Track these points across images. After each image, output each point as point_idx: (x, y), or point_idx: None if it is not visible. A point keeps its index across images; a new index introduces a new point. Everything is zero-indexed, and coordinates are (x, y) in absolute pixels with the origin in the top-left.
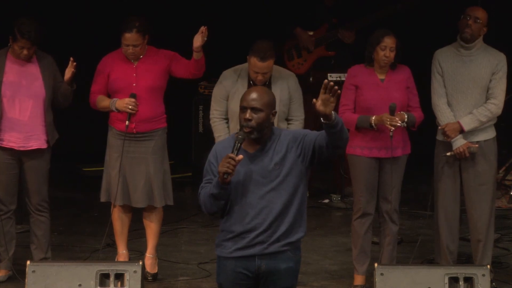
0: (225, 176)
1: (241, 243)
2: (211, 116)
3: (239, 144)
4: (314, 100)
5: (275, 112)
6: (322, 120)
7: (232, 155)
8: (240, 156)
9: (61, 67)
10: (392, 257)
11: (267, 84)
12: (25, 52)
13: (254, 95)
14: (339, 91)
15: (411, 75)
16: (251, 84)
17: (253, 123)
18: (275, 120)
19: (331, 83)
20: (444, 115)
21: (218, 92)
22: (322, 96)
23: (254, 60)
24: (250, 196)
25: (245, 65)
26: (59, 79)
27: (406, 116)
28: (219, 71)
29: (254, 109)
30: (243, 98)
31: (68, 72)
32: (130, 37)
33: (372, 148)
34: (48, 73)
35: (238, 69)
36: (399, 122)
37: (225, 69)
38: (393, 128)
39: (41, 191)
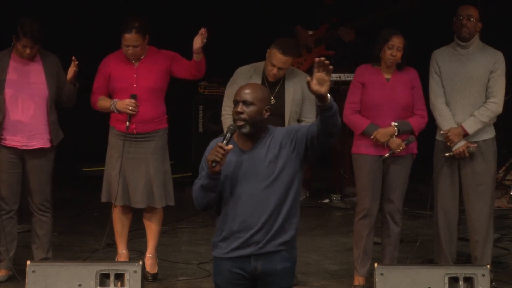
0: (213, 165)
1: (236, 243)
2: (222, 112)
3: (229, 135)
4: (308, 78)
5: (269, 108)
6: (317, 102)
7: (221, 144)
8: (230, 146)
9: (62, 67)
10: (393, 258)
11: (281, 83)
12: (27, 51)
13: (247, 89)
14: (331, 66)
15: (417, 76)
16: (265, 82)
17: (244, 116)
18: (287, 121)
19: (322, 58)
20: (443, 116)
21: (230, 88)
22: (316, 74)
23: (275, 52)
24: (245, 194)
25: (261, 63)
26: (63, 79)
27: (403, 145)
28: (219, 71)
29: (245, 103)
30: (236, 93)
31: (71, 71)
32: (130, 37)
33: (377, 145)
34: (51, 72)
35: (253, 66)
36: (398, 149)
37: (225, 69)
38: (387, 155)
39: (44, 191)
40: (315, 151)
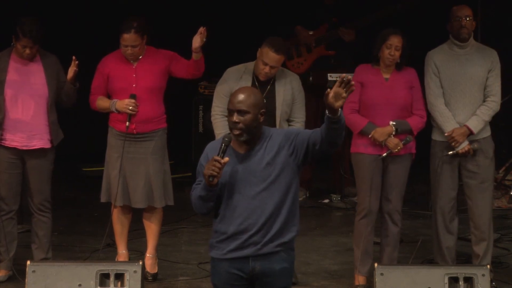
0: (210, 179)
1: (234, 244)
2: (212, 112)
3: (225, 147)
4: (328, 90)
5: (264, 112)
6: (327, 113)
7: (217, 157)
8: (226, 159)
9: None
10: (392, 258)
11: (271, 83)
12: (27, 51)
13: (240, 97)
14: (353, 87)
15: (416, 76)
16: (255, 81)
17: (240, 125)
18: (277, 121)
19: (349, 76)
20: (444, 117)
21: (221, 88)
22: (336, 89)
23: (267, 50)
24: (242, 197)
25: (251, 63)
26: (63, 79)
27: (401, 145)
28: (219, 71)
29: (240, 112)
30: (230, 101)
31: (71, 71)
32: (129, 37)
33: (376, 145)
34: (51, 72)
35: (243, 66)
36: (396, 149)
37: (225, 69)
38: (385, 154)
39: (44, 191)
40: (314, 157)
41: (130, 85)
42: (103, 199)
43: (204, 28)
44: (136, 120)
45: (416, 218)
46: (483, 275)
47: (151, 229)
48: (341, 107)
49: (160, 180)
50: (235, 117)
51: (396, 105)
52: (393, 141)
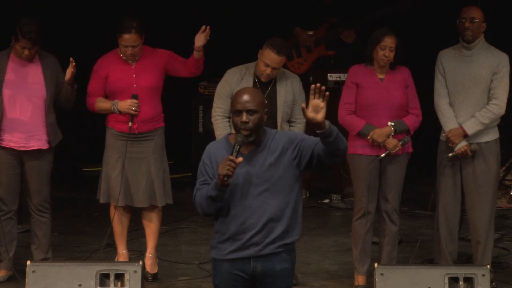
0: (225, 179)
1: (235, 245)
2: (213, 113)
3: (238, 147)
4: (303, 105)
5: (267, 111)
6: (316, 130)
7: (232, 157)
8: (240, 159)
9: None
10: (392, 257)
11: (272, 84)
12: (26, 52)
13: (247, 97)
14: (327, 92)
15: (410, 75)
16: (256, 82)
17: (250, 125)
18: (278, 122)
19: (318, 84)
20: (445, 117)
21: (222, 89)
22: (312, 101)
23: (268, 51)
24: (245, 197)
25: (251, 64)
26: (62, 80)
27: (399, 145)
28: (219, 71)
29: (249, 111)
30: (236, 102)
31: (68, 73)
32: (129, 38)
33: (373, 146)
34: (50, 73)
35: (244, 67)
36: (394, 149)
37: (225, 69)
38: (383, 155)
39: (42, 192)
40: (319, 164)
41: (130, 86)
42: (102, 200)
43: (208, 26)
44: (138, 120)
45: (416, 218)
46: (483, 275)
47: (151, 228)
48: (327, 120)
49: (161, 179)
50: (245, 117)
51: (392, 105)
52: (392, 142)
